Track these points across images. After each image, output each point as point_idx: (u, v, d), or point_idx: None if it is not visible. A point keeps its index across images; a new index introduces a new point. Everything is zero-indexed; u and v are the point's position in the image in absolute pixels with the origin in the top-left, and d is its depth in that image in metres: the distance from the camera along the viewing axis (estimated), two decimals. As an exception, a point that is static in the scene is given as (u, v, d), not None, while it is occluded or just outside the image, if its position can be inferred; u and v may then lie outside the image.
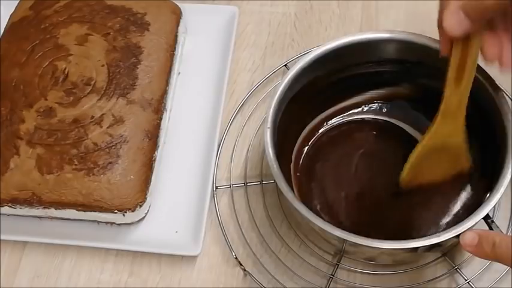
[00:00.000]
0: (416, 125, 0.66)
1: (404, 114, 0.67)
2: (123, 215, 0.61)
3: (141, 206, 0.61)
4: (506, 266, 0.57)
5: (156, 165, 0.64)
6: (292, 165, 0.65)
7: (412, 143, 0.60)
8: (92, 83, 0.64)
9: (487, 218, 0.52)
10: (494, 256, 0.48)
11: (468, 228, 0.51)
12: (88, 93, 0.64)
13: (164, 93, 0.66)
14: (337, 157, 0.66)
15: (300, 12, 0.77)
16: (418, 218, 0.61)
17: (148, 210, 0.64)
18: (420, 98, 0.66)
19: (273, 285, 0.60)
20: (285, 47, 0.75)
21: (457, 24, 0.49)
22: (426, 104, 0.66)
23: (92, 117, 0.62)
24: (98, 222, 0.63)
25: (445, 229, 0.52)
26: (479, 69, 0.58)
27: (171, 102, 0.69)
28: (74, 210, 0.61)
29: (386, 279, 0.60)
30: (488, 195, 0.53)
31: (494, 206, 0.53)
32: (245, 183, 0.65)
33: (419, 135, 0.65)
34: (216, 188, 0.65)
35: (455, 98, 0.55)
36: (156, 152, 0.64)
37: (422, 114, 0.66)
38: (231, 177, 0.66)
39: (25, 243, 0.64)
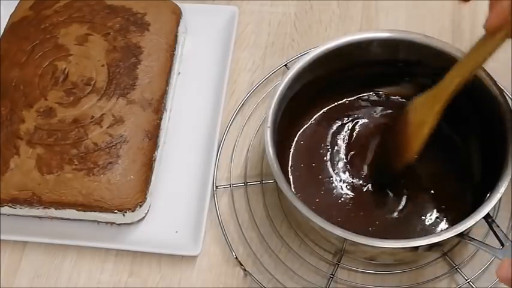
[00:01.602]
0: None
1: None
2: (123, 215, 0.61)
3: (141, 206, 0.61)
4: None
5: (156, 165, 0.64)
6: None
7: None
8: (92, 83, 0.64)
9: (487, 217, 0.52)
10: None
11: (471, 226, 0.51)
12: (88, 93, 0.64)
13: (164, 93, 0.66)
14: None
15: (300, 12, 0.77)
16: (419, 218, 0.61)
17: (148, 210, 0.64)
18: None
19: (273, 285, 0.60)
20: (285, 47, 0.75)
21: None
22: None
23: (92, 117, 0.62)
24: (98, 222, 0.63)
25: (445, 228, 0.52)
26: (480, 69, 0.58)
27: (171, 102, 0.69)
28: (74, 210, 0.61)
29: (386, 278, 0.60)
30: (488, 194, 0.53)
31: (495, 205, 0.53)
32: (245, 183, 0.65)
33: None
34: (216, 187, 0.65)
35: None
36: (156, 152, 0.64)
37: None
38: (231, 177, 0.66)
39: (25, 243, 0.64)
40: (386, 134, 0.64)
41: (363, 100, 0.68)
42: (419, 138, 0.57)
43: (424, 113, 0.57)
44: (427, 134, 0.57)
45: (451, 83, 0.55)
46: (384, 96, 0.68)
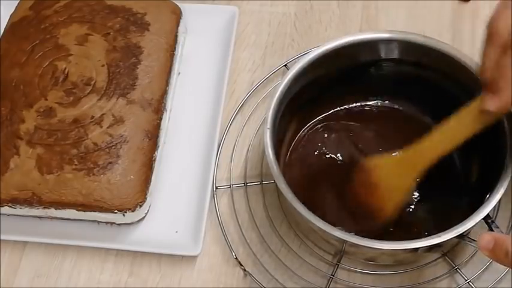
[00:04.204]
0: (416, 124, 0.66)
1: (404, 114, 0.67)
2: (123, 215, 0.61)
3: (141, 206, 0.61)
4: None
5: (156, 165, 0.64)
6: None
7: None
8: (92, 83, 0.64)
9: (487, 218, 0.52)
10: (509, 263, 0.46)
11: (471, 227, 0.51)
12: (88, 93, 0.64)
13: (164, 93, 0.66)
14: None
15: (300, 12, 0.77)
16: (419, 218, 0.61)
17: (148, 210, 0.64)
18: (420, 98, 0.66)
19: (273, 285, 0.60)
20: (285, 47, 0.75)
21: None
22: (425, 104, 0.66)
23: (92, 117, 0.62)
24: (98, 222, 0.63)
25: (445, 229, 0.52)
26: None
27: (171, 102, 0.69)
28: (74, 210, 0.61)
29: (386, 279, 0.60)
30: (488, 195, 0.53)
31: (494, 206, 0.53)
32: (245, 183, 0.65)
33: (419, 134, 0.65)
34: (216, 188, 0.65)
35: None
36: (156, 152, 0.64)
37: (422, 114, 0.66)
38: (231, 177, 0.66)
39: (25, 243, 0.64)
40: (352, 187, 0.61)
41: (363, 99, 0.68)
42: (393, 202, 0.56)
43: (398, 178, 0.56)
44: (402, 199, 0.56)
45: (433, 148, 0.53)
46: (384, 96, 0.68)
